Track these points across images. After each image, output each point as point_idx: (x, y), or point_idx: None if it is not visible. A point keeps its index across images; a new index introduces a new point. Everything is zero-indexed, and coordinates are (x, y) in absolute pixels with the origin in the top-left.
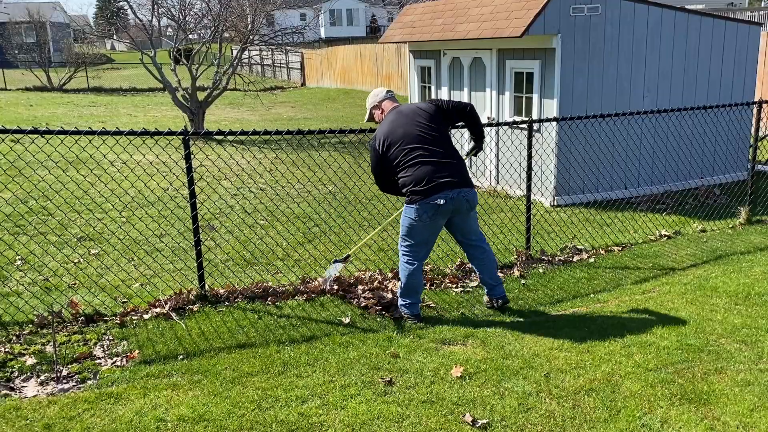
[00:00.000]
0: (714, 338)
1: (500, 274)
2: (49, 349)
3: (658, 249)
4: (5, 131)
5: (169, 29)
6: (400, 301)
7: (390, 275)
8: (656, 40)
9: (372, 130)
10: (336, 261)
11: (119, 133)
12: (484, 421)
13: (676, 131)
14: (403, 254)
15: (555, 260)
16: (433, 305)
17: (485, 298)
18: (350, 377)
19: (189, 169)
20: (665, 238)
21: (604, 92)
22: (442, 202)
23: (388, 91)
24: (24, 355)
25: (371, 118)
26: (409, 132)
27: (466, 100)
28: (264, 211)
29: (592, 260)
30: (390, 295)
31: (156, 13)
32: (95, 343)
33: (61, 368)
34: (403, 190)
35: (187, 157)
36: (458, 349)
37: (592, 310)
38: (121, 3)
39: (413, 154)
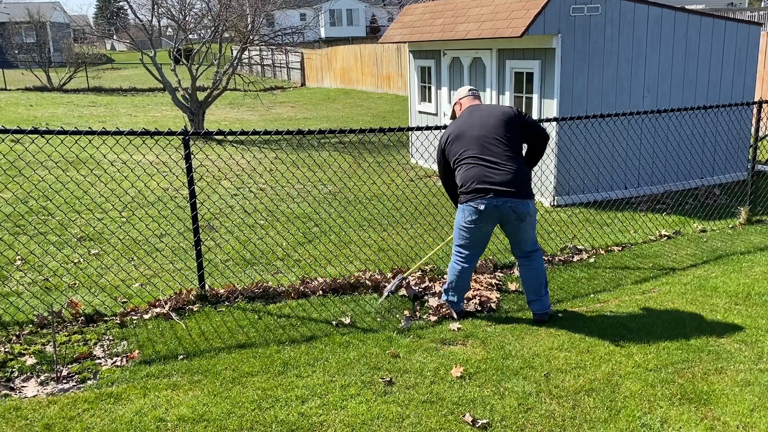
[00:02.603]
0: (714, 338)
1: (500, 274)
2: (49, 349)
3: (658, 249)
4: (5, 131)
5: (169, 29)
6: (443, 296)
7: (389, 275)
8: (656, 40)
9: (373, 130)
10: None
11: (119, 133)
12: (484, 421)
13: (676, 131)
14: (454, 254)
15: (555, 260)
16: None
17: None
18: (350, 377)
19: (189, 169)
20: (665, 238)
21: (604, 92)
22: (482, 207)
23: (470, 89)
24: (24, 355)
25: (453, 116)
26: (474, 132)
27: None
28: (264, 211)
29: (592, 260)
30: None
31: (156, 13)
32: (95, 343)
33: (61, 368)
34: (458, 188)
35: (187, 157)
36: (458, 349)
37: (592, 310)
38: (121, 3)
39: (469, 154)
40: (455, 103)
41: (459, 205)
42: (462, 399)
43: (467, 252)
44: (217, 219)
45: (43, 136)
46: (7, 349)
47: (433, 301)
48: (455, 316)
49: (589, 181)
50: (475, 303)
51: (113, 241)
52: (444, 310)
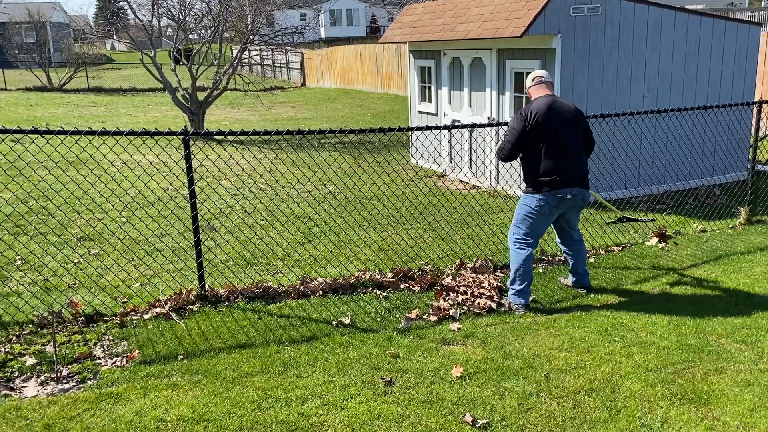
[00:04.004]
0: (714, 338)
1: (500, 274)
2: (49, 349)
3: (658, 249)
4: (5, 131)
5: (169, 29)
6: (510, 291)
7: (389, 275)
8: (656, 39)
9: (373, 130)
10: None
11: (119, 133)
12: (484, 421)
13: (676, 131)
14: (516, 241)
15: (555, 260)
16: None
17: (568, 282)
18: (350, 377)
19: (189, 169)
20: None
21: (604, 92)
22: (569, 197)
23: (536, 78)
24: (24, 355)
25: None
26: (561, 124)
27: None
28: (264, 211)
29: (592, 260)
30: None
31: (156, 13)
32: (95, 343)
33: (61, 368)
34: (529, 177)
35: (187, 157)
36: (458, 349)
37: (592, 310)
38: (121, 3)
39: (556, 144)
40: (527, 88)
41: (531, 194)
42: (462, 399)
43: (531, 239)
44: (217, 219)
45: (43, 136)
46: (7, 349)
47: (441, 303)
48: (521, 312)
49: (589, 181)
50: (473, 303)
51: (113, 241)
52: (444, 311)
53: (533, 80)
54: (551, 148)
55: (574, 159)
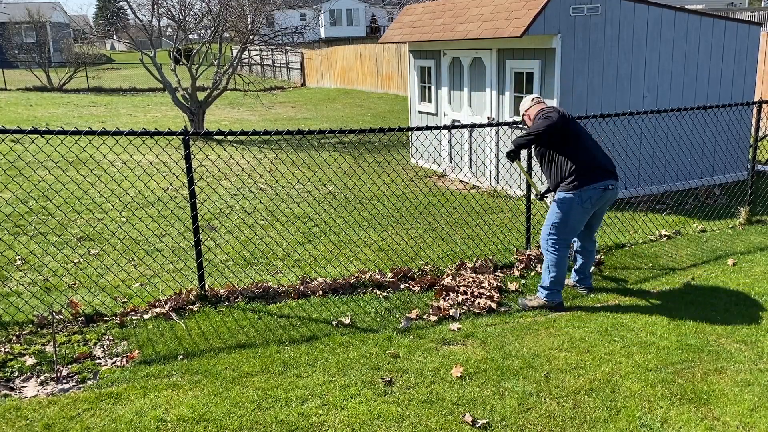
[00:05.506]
0: (714, 338)
1: (500, 274)
2: (49, 349)
3: (658, 249)
4: (5, 131)
5: (169, 29)
6: (542, 293)
7: (389, 274)
8: (656, 39)
9: (373, 130)
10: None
11: (119, 133)
12: (484, 421)
13: (676, 131)
14: (554, 243)
15: None
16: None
17: (569, 282)
18: (350, 377)
19: (189, 169)
20: (665, 238)
21: (604, 92)
22: (611, 187)
23: (534, 98)
24: (24, 355)
25: (525, 123)
26: (581, 127)
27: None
28: (264, 211)
29: None
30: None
31: (156, 13)
32: (95, 343)
33: (61, 368)
34: (569, 174)
35: (187, 157)
36: (458, 349)
37: (592, 310)
38: (121, 3)
39: (587, 138)
40: (523, 115)
41: (570, 191)
42: (462, 399)
43: (570, 237)
44: (217, 219)
45: (43, 136)
46: (7, 349)
47: (441, 303)
48: (558, 310)
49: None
50: (473, 303)
51: (113, 241)
52: (444, 311)
53: (532, 101)
54: (584, 142)
55: (605, 155)
